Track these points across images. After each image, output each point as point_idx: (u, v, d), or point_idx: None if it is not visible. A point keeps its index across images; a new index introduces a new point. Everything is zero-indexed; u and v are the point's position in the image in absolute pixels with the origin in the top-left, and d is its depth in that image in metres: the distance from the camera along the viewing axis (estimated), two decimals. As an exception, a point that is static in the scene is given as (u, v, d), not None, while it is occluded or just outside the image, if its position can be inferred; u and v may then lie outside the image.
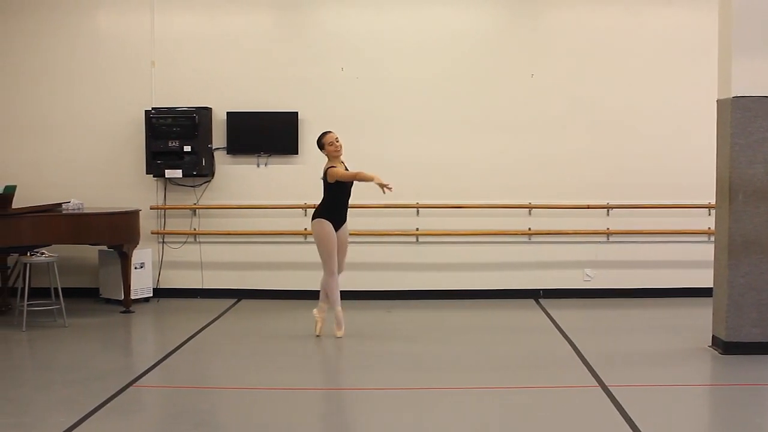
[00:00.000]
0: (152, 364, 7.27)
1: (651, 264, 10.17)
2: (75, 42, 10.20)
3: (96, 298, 10.04)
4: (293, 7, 10.21)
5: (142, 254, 9.90)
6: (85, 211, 9.40)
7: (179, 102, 10.01)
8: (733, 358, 7.29)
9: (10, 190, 9.01)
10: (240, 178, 10.20)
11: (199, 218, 10.26)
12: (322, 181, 8.10)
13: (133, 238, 9.48)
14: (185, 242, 10.28)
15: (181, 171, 9.92)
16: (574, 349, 7.70)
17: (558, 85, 10.10)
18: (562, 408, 6.10)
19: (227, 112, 10.10)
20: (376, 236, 9.96)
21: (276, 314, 9.45)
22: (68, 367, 7.20)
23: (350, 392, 6.75)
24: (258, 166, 10.20)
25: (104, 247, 9.67)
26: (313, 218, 8.16)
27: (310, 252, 9.34)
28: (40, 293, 9.22)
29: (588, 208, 10.12)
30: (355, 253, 8.86)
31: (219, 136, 10.16)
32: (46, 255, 8.80)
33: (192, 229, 10.26)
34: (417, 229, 10.17)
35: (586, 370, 6.97)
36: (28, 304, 8.57)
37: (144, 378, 6.83)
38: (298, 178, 10.02)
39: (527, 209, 10.16)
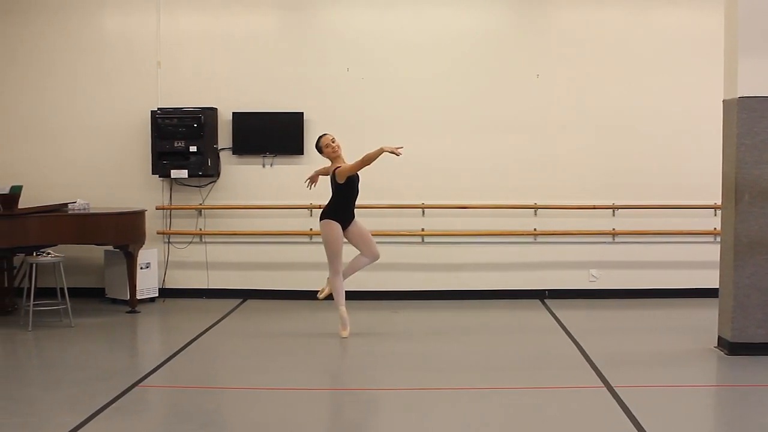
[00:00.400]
0: (158, 364, 7.27)
1: (656, 264, 10.16)
2: (81, 43, 10.22)
3: (102, 298, 10.06)
4: (299, 8, 10.21)
5: (148, 254, 9.91)
6: (91, 211, 9.41)
7: (185, 102, 10.03)
8: (738, 359, 7.28)
9: (16, 191, 9.04)
10: (245, 179, 10.21)
11: (204, 218, 10.28)
12: (330, 183, 8.13)
13: (138, 239, 9.50)
14: (191, 242, 10.29)
15: (186, 171, 9.94)
16: (579, 350, 7.69)
17: (564, 85, 10.09)
18: (567, 408, 6.09)
19: (233, 113, 10.11)
20: (382, 236, 9.92)
21: (281, 314, 9.46)
22: (74, 367, 7.21)
23: (356, 392, 6.75)
24: (263, 166, 10.21)
25: (110, 247, 9.69)
26: (321, 218, 8.20)
27: (315, 252, 9.37)
28: (46, 293, 9.23)
29: (593, 208, 10.10)
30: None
31: (225, 137, 10.17)
32: (52, 255, 8.82)
33: (197, 229, 10.27)
34: (422, 230, 10.17)
35: (592, 371, 6.96)
36: (34, 304, 8.58)
37: (149, 378, 6.84)
38: (304, 179, 9.97)
39: (533, 210, 10.15)
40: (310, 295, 9.56)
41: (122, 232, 9.32)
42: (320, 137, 8.28)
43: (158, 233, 10.20)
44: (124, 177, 10.19)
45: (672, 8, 10.08)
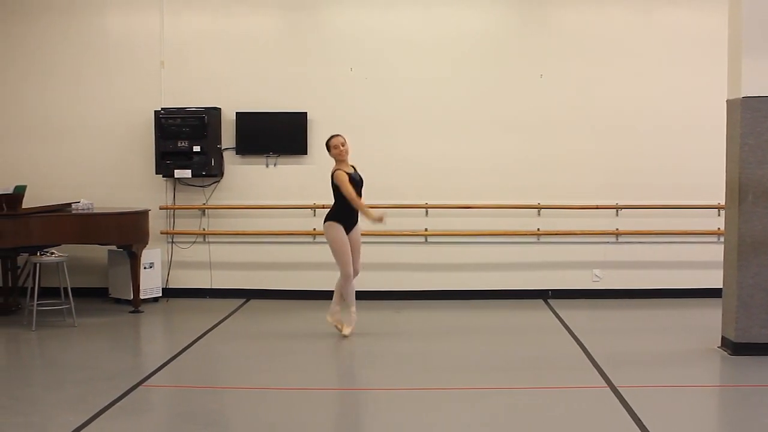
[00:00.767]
0: (161, 363, 7.28)
1: (660, 264, 10.15)
2: (84, 43, 10.23)
3: (105, 297, 10.07)
4: (302, 8, 10.21)
5: (151, 254, 9.92)
6: (95, 211, 9.43)
7: (188, 102, 10.03)
8: (742, 359, 7.27)
9: (20, 191, 9.06)
10: (249, 179, 10.22)
11: (208, 218, 10.28)
12: (331, 186, 8.12)
13: (142, 238, 9.51)
14: (194, 242, 10.30)
15: (190, 171, 9.95)
16: (582, 350, 7.69)
17: (567, 85, 10.09)
18: (570, 409, 6.09)
19: (236, 113, 10.11)
20: (385, 236, 9.95)
21: (285, 314, 9.47)
22: (77, 367, 7.23)
23: (359, 392, 6.76)
24: (267, 166, 10.21)
25: (113, 247, 9.70)
26: (325, 221, 8.17)
27: (319, 252, 9.38)
28: (49, 293, 9.24)
29: (597, 208, 10.10)
30: (364, 253, 8.85)
31: (228, 137, 10.18)
32: (55, 255, 8.83)
33: (201, 229, 10.28)
34: (426, 230, 10.17)
35: (595, 371, 6.96)
36: (37, 304, 8.60)
37: (153, 378, 6.85)
38: (307, 179, 10.04)
39: (536, 210, 10.15)
40: (313, 295, 9.61)
41: (125, 232, 9.33)
42: (333, 136, 8.18)
43: (162, 233, 10.21)
44: (128, 177, 10.20)
45: (673, 8, 10.08)
